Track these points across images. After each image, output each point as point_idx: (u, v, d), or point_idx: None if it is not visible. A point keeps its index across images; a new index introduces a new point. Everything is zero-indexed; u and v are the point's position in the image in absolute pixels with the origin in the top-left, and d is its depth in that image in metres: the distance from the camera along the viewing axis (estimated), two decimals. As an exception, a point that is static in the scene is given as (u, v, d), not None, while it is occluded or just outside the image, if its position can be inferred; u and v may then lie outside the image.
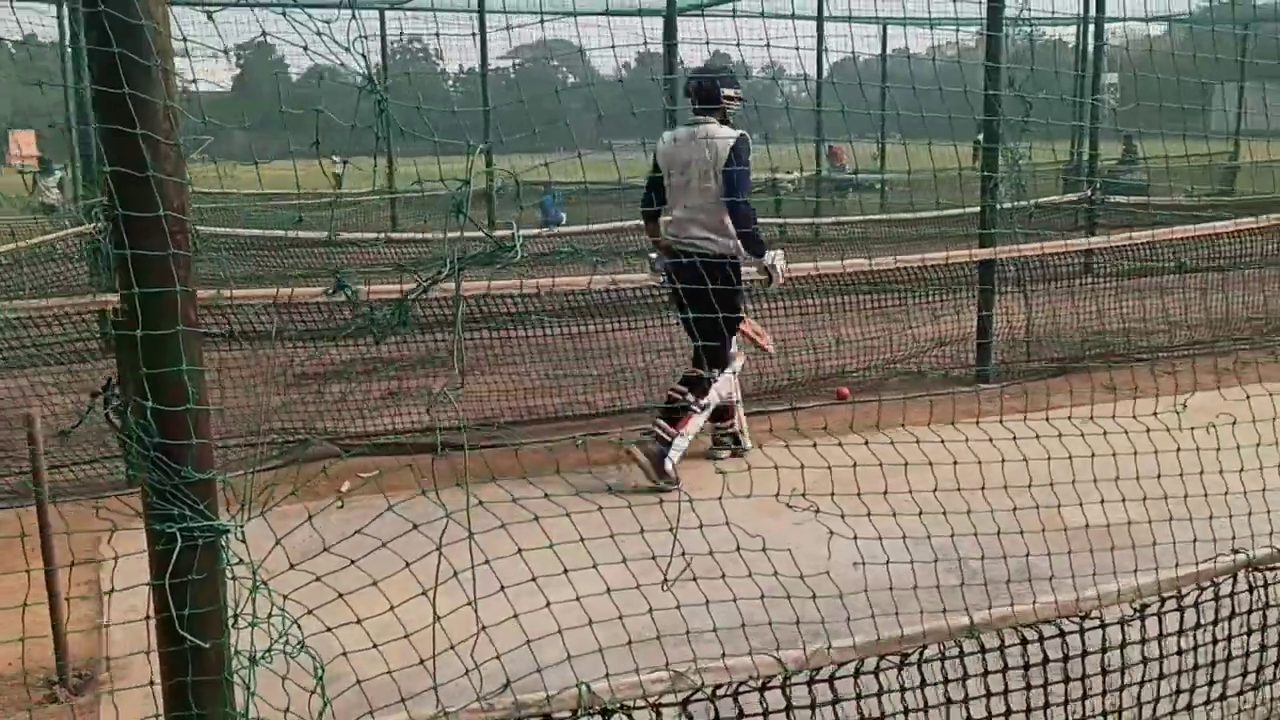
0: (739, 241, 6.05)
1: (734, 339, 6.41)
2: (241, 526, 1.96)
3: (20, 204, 18.88)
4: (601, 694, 2.32)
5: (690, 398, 6.08)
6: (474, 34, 19.20)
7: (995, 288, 8.53)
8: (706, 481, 5.32)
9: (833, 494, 2.53)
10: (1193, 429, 3.00)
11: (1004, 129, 8.18)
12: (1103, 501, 2.94)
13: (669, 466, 5.88)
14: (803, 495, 2.44)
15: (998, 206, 8.40)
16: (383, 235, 12.80)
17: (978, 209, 10.37)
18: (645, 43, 11.77)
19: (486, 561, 2.21)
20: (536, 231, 15.25)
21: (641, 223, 6.92)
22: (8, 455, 6.89)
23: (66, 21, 16.63)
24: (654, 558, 2.36)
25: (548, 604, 2.28)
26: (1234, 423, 3.04)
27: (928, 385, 8.44)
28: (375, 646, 2.13)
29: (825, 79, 21.36)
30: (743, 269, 6.25)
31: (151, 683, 1.96)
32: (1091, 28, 17.79)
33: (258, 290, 6.56)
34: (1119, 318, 9.87)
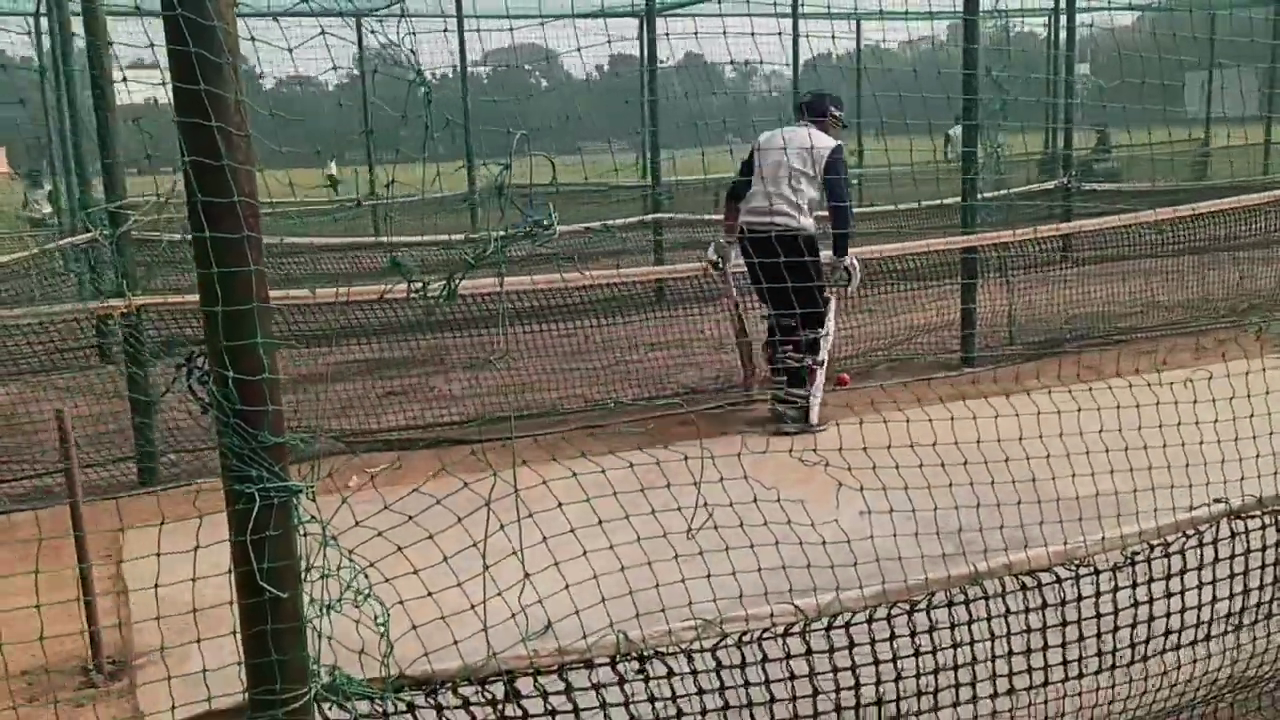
0: (833, 237, 7.10)
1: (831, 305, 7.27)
2: (312, 487, 2.14)
3: (7, 218, 18.92)
4: (636, 641, 2.51)
5: (807, 360, 7.08)
6: (447, 31, 19.34)
7: (979, 275, 8.76)
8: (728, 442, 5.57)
9: (849, 466, 2.72)
10: (1196, 402, 3.20)
11: (983, 118, 8.38)
12: (1093, 474, 3.14)
13: (815, 419, 6.98)
14: (813, 451, 2.63)
15: (978, 196, 8.63)
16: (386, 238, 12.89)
17: (955, 200, 10.63)
18: (613, 39, 11.92)
19: (530, 515, 2.39)
20: (515, 231, 15.42)
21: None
22: (13, 459, 7.04)
23: (46, 37, 16.72)
24: (679, 509, 2.56)
25: (584, 552, 2.46)
26: (1210, 378, 3.24)
27: (915, 370, 8.68)
28: (430, 595, 2.31)
29: (799, 75, 21.57)
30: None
31: (204, 670, 2.12)
32: (1063, 18, 18.10)
33: (324, 290, 6.87)
34: (1099, 301, 10.13)
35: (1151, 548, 3.09)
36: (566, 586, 2.45)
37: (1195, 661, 3.22)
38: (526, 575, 2.35)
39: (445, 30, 19.68)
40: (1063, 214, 13.42)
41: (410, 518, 2.30)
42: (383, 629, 2.21)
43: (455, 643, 2.33)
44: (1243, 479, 3.18)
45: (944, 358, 9.00)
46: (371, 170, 20.97)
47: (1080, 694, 3.07)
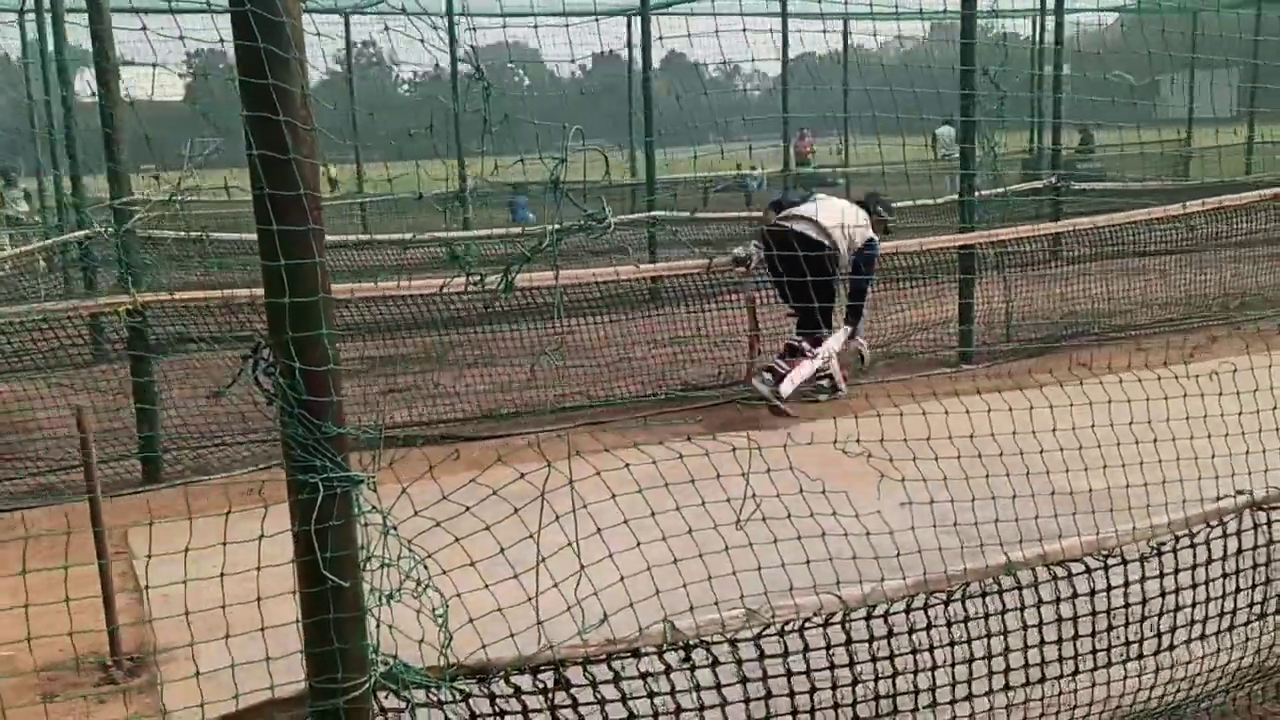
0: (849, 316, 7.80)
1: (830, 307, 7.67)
2: (373, 477, 2.16)
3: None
4: (686, 630, 2.54)
5: (806, 346, 7.44)
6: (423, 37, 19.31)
7: (976, 272, 8.83)
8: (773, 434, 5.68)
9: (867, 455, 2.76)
10: (1222, 394, 3.25)
11: (980, 118, 8.45)
12: (1123, 465, 3.19)
13: (786, 391, 7.22)
14: (857, 441, 2.67)
15: (976, 194, 8.70)
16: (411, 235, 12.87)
17: (949, 199, 10.68)
18: (603, 38, 11.94)
19: (585, 506, 2.41)
20: (504, 231, 15.49)
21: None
22: (16, 457, 7.01)
23: (41, 34, 16.64)
24: (728, 500, 2.59)
25: (638, 544, 2.49)
26: (1235, 371, 3.30)
27: (914, 367, 8.73)
28: (487, 587, 2.34)
29: (784, 75, 21.67)
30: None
31: (231, 664, 2.14)
32: (1050, 20, 18.23)
33: (385, 284, 6.95)
34: (1092, 299, 10.21)
35: (1177, 539, 3.13)
36: (621, 579, 2.48)
37: (1220, 651, 3.27)
38: (582, 567, 2.38)
39: (435, 28, 19.59)
40: (1052, 213, 13.52)
41: (467, 508, 2.32)
42: (441, 619, 2.23)
43: (511, 635, 2.35)
44: (1267, 470, 3.23)
45: (942, 355, 9.05)
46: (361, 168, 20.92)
47: (1109, 683, 3.11)
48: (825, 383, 7.79)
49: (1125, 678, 3.13)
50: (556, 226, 2.21)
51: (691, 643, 2.56)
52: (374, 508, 2.16)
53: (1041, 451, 3.03)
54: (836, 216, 7.49)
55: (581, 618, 2.36)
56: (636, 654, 2.51)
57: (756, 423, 7.01)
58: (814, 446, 2.69)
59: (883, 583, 2.70)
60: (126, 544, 5.64)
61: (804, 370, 7.40)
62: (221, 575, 2.52)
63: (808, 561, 2.68)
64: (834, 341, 7.63)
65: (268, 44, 1.98)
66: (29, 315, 6.98)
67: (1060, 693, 3.06)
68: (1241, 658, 3.37)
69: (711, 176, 23.24)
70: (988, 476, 2.89)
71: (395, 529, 2.18)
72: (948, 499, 2.79)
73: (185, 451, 6.97)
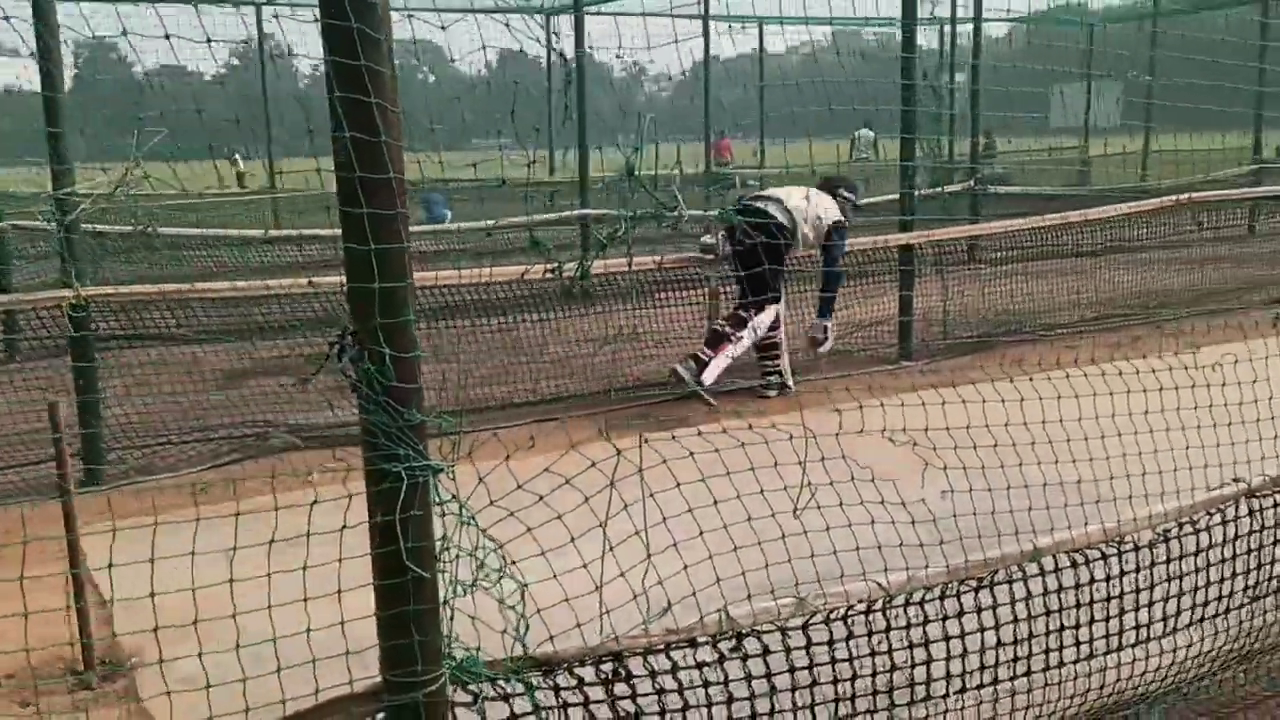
0: (820, 299, 7.96)
1: (774, 295, 7.66)
2: (452, 465, 2.12)
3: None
4: (741, 618, 2.55)
5: (728, 329, 7.50)
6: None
7: (915, 271, 9.01)
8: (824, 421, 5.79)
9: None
10: (1225, 385, 3.37)
11: (923, 120, 8.64)
12: (1124, 455, 3.29)
13: (709, 378, 7.36)
14: (903, 430, 2.72)
15: (916, 194, 8.88)
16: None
17: (873, 199, 10.84)
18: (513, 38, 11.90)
19: (652, 495, 2.41)
20: (421, 229, 15.34)
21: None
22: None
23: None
24: (785, 488, 2.61)
25: (700, 533, 2.49)
26: (1236, 362, 3.42)
27: (856, 364, 8.87)
28: (554, 576, 2.32)
29: (685, 78, 21.77)
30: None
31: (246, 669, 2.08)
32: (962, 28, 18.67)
33: (466, 270, 6.90)
34: (1016, 298, 10.49)
35: (1180, 526, 3.24)
36: (685, 567, 2.48)
37: (1217, 634, 3.39)
38: (649, 555, 2.37)
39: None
40: (971, 215, 13.84)
41: (541, 498, 2.30)
42: (516, 609, 2.20)
43: (578, 625, 2.34)
44: (1264, 459, 3.36)
45: (882, 352, 9.21)
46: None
47: (1118, 666, 3.21)
48: (775, 378, 7.86)
49: (1134, 660, 3.23)
50: (632, 214, 2.21)
51: (744, 631, 2.57)
52: (453, 496, 2.13)
53: (1068, 440, 3.11)
54: (800, 198, 7.65)
55: (646, 606, 2.35)
56: (694, 643, 2.51)
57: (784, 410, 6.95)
58: (855, 434, 2.72)
59: (926, 570, 2.74)
60: (73, 548, 5.43)
61: (726, 357, 7.50)
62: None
63: (857, 549, 2.72)
64: (761, 323, 7.61)
65: (360, 24, 1.93)
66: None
67: (1075, 676, 3.14)
68: (1233, 640, 3.50)
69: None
70: (1019, 465, 2.96)
71: (474, 518, 2.15)
72: (985, 488, 2.85)
73: (129, 451, 6.75)
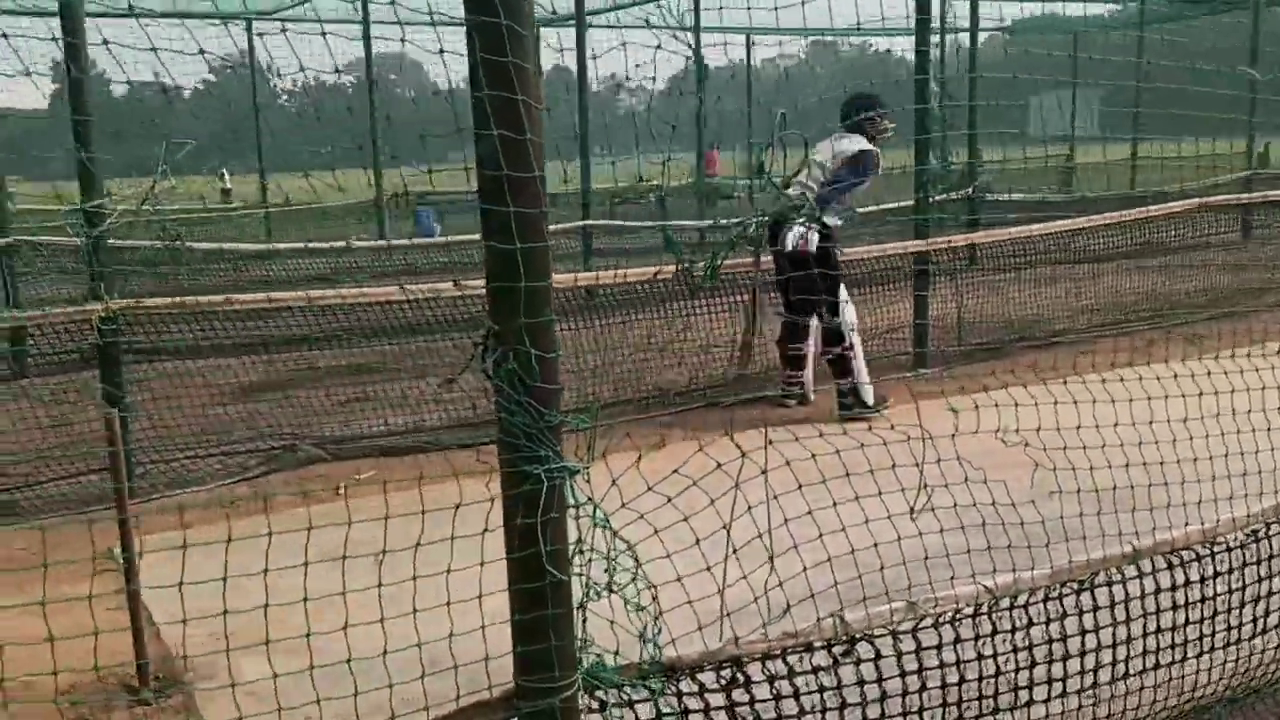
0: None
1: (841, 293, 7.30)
2: (587, 467, 2.09)
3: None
4: (855, 623, 2.52)
5: (835, 350, 7.25)
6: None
7: (930, 277, 9.02)
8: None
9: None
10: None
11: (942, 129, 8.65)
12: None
13: (870, 400, 7.24)
14: (1016, 431, 2.70)
15: (932, 199, 8.89)
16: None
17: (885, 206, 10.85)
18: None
19: (776, 497, 2.38)
20: (409, 242, 15.30)
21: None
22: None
23: None
24: (902, 490, 2.59)
25: (819, 535, 2.46)
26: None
27: (873, 371, 8.85)
28: (679, 579, 2.28)
29: (662, 91, 21.77)
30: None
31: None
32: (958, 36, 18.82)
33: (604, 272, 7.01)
34: (1021, 305, 10.51)
35: (1268, 525, 3.23)
36: (804, 569, 2.45)
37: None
38: (771, 559, 2.35)
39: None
40: (970, 222, 13.88)
41: (669, 499, 2.27)
42: (646, 613, 2.17)
43: (700, 629, 2.30)
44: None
45: (898, 359, 9.20)
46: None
47: (1210, 669, 3.19)
48: (797, 389, 7.75)
49: (1224, 662, 3.21)
50: (761, 213, 2.18)
51: (857, 636, 2.54)
52: (589, 498, 2.09)
53: (1155, 443, 3.10)
54: (820, 169, 6.96)
55: (767, 609, 2.32)
56: (810, 648, 2.48)
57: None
58: (966, 436, 2.69)
59: (1032, 571, 2.72)
60: (114, 559, 5.36)
61: (859, 368, 7.33)
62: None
63: (968, 551, 2.69)
64: (849, 317, 7.34)
65: (509, 20, 1.91)
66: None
67: (1170, 679, 3.12)
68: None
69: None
70: (1108, 467, 2.94)
71: (608, 520, 2.11)
72: (1089, 488, 2.83)
73: (156, 465, 6.68)
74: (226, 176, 23.34)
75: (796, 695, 2.49)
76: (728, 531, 2.28)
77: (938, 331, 9.41)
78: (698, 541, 2.33)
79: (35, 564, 3.26)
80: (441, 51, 3.23)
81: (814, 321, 7.47)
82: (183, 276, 8.67)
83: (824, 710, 2.52)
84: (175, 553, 2.43)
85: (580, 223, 13.95)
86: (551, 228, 8.09)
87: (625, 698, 2.27)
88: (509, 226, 1.95)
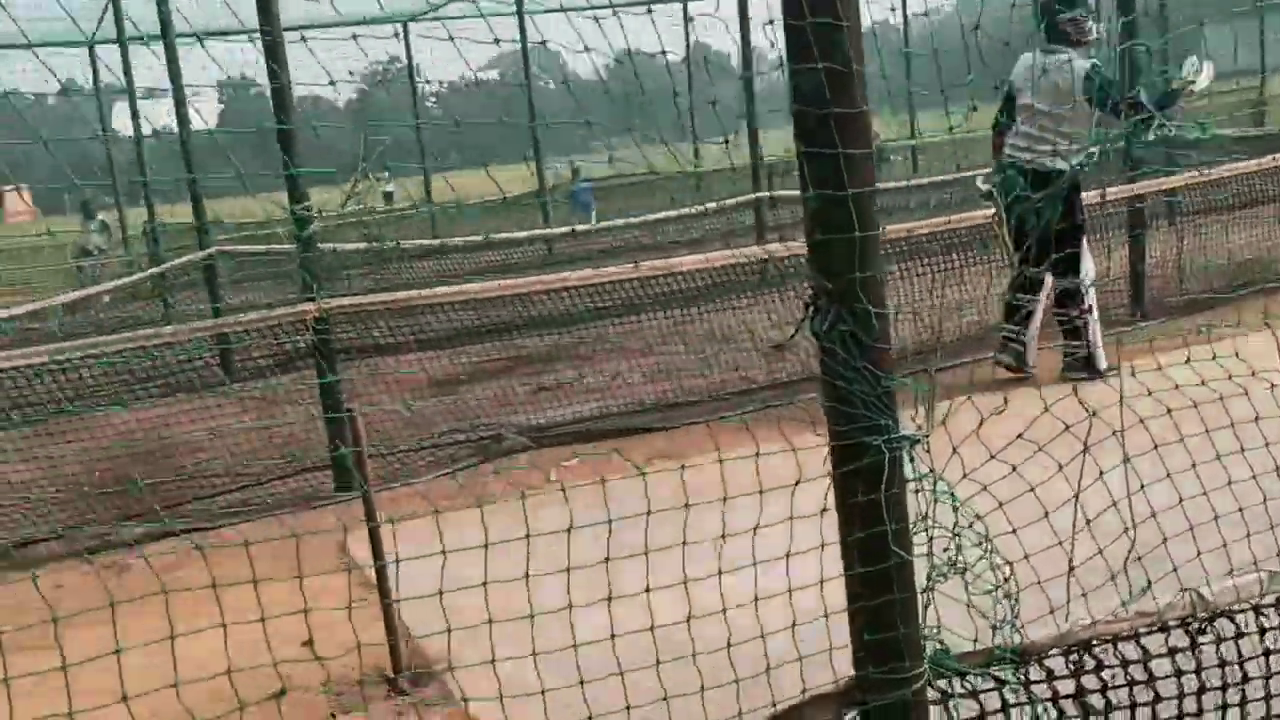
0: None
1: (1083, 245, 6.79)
2: (927, 436, 1.88)
3: (69, 253, 18.94)
4: (1215, 598, 2.24)
5: (1073, 313, 6.71)
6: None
7: (1146, 225, 8.45)
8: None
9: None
10: None
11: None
12: None
13: (1102, 366, 6.66)
14: None
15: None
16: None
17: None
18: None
19: (1127, 460, 2.13)
20: (568, 229, 15.22)
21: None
22: (201, 476, 6.84)
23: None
24: (1266, 445, 2.30)
25: (1180, 500, 2.20)
26: None
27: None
28: (1026, 558, 2.06)
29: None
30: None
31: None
32: None
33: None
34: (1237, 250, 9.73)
35: None
36: (1164, 541, 2.19)
37: None
38: (1125, 529, 2.10)
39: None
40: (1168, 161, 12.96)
41: (1014, 468, 2.04)
42: (1004, 591, 1.95)
43: (1051, 611, 2.07)
44: None
45: (1113, 312, 8.63)
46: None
47: None
48: (1016, 347, 6.89)
49: None
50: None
51: (1216, 612, 2.26)
52: (931, 470, 1.88)
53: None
54: (1050, 93, 6.35)
55: (1129, 587, 2.07)
56: (1165, 627, 2.22)
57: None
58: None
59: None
60: (348, 553, 5.42)
61: (1094, 331, 6.74)
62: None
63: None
64: (1088, 273, 6.84)
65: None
66: (204, 332, 6.83)
67: None
68: None
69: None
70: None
71: (953, 493, 1.90)
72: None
73: (374, 459, 6.76)
74: (388, 179, 23.95)
75: (1151, 681, 2.23)
76: (1075, 501, 2.03)
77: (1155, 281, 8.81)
78: (1046, 515, 2.08)
79: (282, 555, 3.22)
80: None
81: (1048, 277, 6.77)
82: (391, 271, 8.81)
83: (1181, 696, 2.25)
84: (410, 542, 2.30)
85: (752, 195, 13.66)
86: (727, 201, 7.83)
87: (969, 687, 2.06)
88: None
